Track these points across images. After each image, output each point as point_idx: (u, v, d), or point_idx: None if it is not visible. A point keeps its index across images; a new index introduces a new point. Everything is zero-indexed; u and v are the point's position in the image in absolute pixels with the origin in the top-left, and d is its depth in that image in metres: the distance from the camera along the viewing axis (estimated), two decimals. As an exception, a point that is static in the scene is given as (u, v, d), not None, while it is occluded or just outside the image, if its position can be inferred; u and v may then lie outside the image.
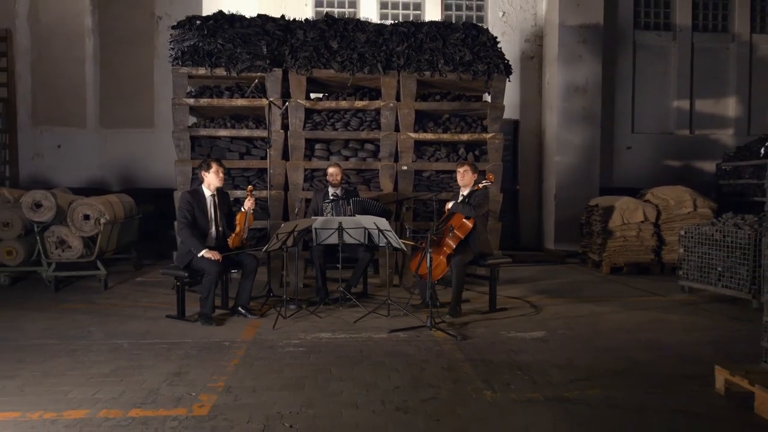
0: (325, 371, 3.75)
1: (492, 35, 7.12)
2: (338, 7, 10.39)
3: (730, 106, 11.08)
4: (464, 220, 5.24)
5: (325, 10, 10.24)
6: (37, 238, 6.38)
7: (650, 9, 10.91)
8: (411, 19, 10.30)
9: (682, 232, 6.59)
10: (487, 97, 7.21)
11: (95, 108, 10.06)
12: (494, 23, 10.37)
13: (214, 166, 5.27)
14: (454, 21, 10.15)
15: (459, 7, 10.58)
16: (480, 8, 10.59)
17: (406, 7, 10.47)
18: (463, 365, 3.88)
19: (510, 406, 3.19)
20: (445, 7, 10.49)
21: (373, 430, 2.86)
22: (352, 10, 10.37)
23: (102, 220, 6.44)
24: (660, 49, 10.92)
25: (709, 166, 10.60)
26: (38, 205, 6.30)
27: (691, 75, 10.92)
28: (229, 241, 5.23)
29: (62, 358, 3.99)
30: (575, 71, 9.81)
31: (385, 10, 10.41)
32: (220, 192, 5.39)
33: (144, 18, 10.08)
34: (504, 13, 10.45)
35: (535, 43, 10.47)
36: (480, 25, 7.53)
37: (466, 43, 6.91)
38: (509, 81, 7.15)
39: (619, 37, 10.70)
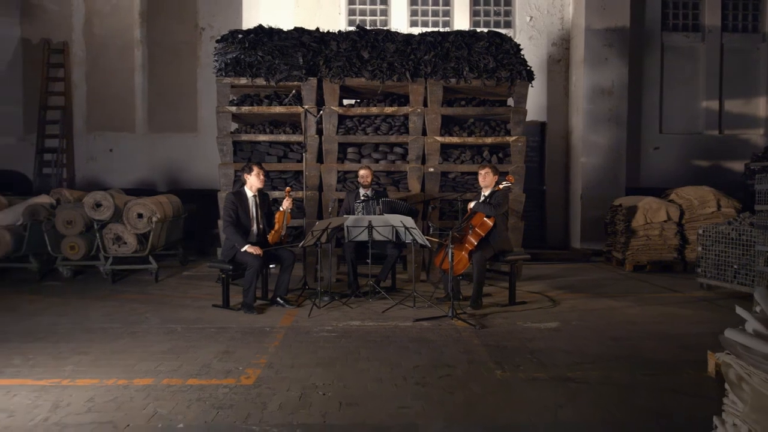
0: (354, 353, 4.20)
1: (515, 43, 7.44)
2: (370, 16, 10.84)
3: (761, 106, 11.09)
4: (485, 218, 5.62)
5: (358, 18, 10.71)
6: (97, 234, 7.04)
7: (678, 11, 11.02)
8: (440, 26, 10.69)
9: (701, 231, 6.80)
10: (511, 102, 7.55)
11: (143, 114, 10.79)
12: (522, 28, 10.67)
13: (256, 169, 5.80)
14: (482, 27, 10.52)
15: (487, 13, 10.89)
16: (507, 14, 10.88)
17: (435, 14, 10.84)
18: (478, 349, 4.28)
19: (517, 383, 3.58)
20: (474, 13, 10.82)
21: (395, 399, 3.29)
22: (383, 18, 10.81)
23: (154, 219, 7.06)
24: (688, 50, 11.01)
25: (739, 166, 10.64)
26: (98, 205, 6.97)
27: (721, 75, 10.98)
28: (269, 237, 5.75)
29: (125, 339, 4.56)
30: (601, 74, 10.02)
31: (415, 18, 10.81)
32: (260, 193, 5.91)
33: (188, 29, 10.75)
34: (531, 17, 10.73)
35: (562, 47, 10.71)
36: (504, 33, 7.85)
37: (490, 51, 7.25)
38: (532, 86, 7.47)
39: (647, 39, 10.84)
